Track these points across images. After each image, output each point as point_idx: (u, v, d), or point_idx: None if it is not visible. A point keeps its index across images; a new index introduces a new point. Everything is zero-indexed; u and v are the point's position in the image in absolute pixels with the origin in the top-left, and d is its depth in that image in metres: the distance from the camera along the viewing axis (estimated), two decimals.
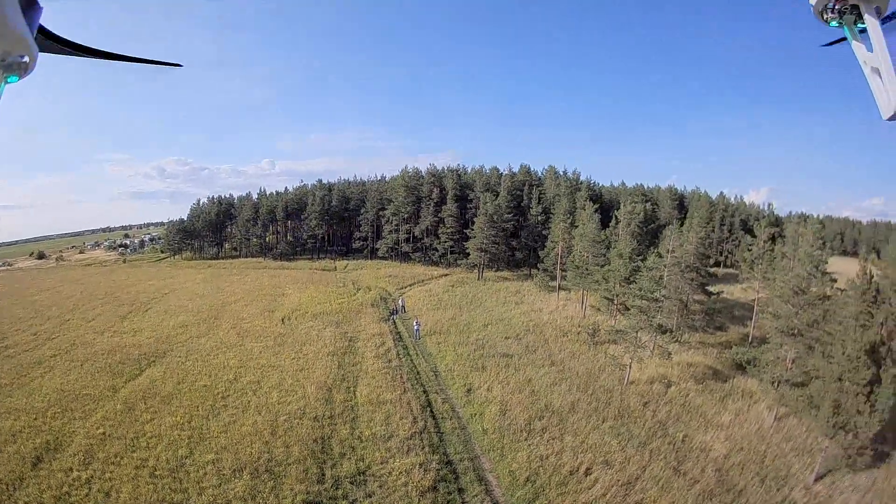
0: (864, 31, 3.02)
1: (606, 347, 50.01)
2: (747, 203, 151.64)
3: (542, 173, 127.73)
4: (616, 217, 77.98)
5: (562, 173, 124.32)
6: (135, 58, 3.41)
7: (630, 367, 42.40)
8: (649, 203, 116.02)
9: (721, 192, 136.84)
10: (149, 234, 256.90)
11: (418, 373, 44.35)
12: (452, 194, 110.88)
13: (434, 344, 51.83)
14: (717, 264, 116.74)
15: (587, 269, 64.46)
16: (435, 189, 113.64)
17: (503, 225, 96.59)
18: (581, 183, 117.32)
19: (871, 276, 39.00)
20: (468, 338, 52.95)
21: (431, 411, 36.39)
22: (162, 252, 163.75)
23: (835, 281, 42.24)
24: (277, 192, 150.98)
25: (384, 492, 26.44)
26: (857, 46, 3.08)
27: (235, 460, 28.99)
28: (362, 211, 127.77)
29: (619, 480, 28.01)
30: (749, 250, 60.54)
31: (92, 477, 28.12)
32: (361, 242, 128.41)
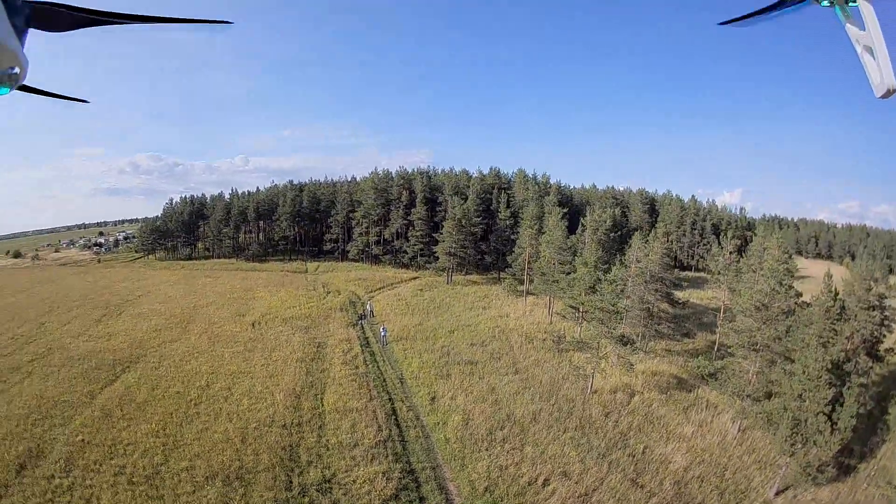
0: (855, 9, 3.04)
1: (571, 355, 51.12)
2: (720, 206, 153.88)
3: (511, 176, 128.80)
4: (583, 224, 79.36)
5: (531, 176, 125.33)
6: (181, 19, 3.16)
7: (593, 377, 43.17)
8: (619, 207, 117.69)
9: (692, 196, 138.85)
10: (123, 231, 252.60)
11: (384, 380, 45.46)
12: (422, 197, 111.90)
13: (401, 350, 52.90)
14: (688, 268, 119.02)
15: (553, 277, 65.21)
16: (404, 192, 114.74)
17: (472, 229, 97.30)
18: (550, 186, 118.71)
19: (836, 293, 39.86)
20: (434, 344, 54.19)
21: (396, 419, 37.57)
22: (136, 252, 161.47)
23: (800, 295, 42.69)
24: (249, 192, 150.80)
25: (349, 499, 27.73)
26: (849, 26, 3.13)
27: (208, 468, 30.16)
28: (332, 212, 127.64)
29: (576, 492, 29.03)
30: (716, 260, 60.40)
31: (73, 484, 29.20)
32: (332, 244, 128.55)
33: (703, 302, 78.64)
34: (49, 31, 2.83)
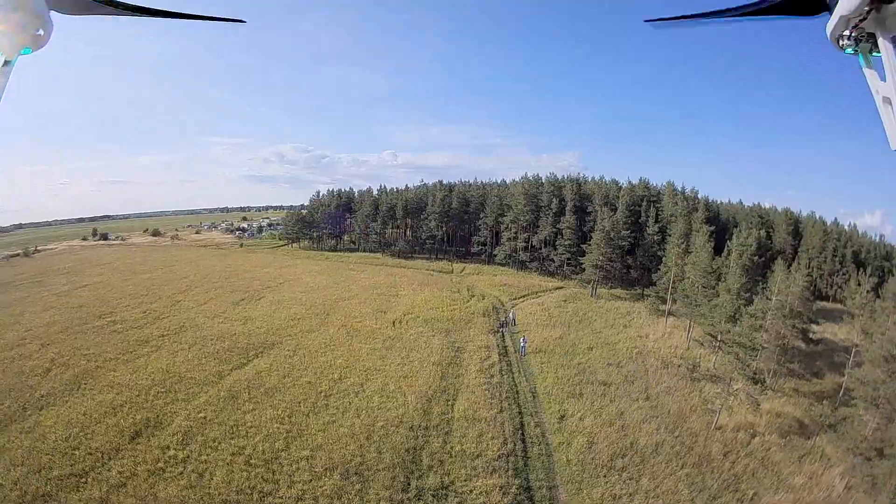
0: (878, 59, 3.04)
1: (703, 385, 48.23)
2: (860, 230, 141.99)
3: (662, 187, 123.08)
4: (728, 248, 75.42)
5: (680, 190, 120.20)
6: (193, 15, 3.61)
7: (719, 413, 40.97)
8: (764, 228, 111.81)
9: (835, 219, 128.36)
10: (267, 218, 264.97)
11: (517, 392, 44.21)
12: (571, 205, 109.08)
13: (537, 363, 51.32)
14: (825, 297, 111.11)
15: (696, 300, 62.43)
16: (554, 199, 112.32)
17: (620, 242, 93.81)
18: (698, 202, 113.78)
19: None
20: (571, 360, 52.19)
21: (523, 434, 36.43)
22: (280, 239, 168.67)
23: None
24: (398, 189, 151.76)
25: None
26: (870, 75, 3.11)
27: (328, 459, 30.15)
28: (482, 215, 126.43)
29: None
30: (853, 298, 54.42)
31: (188, 457, 29.99)
32: (480, 246, 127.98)
33: (837, 338, 71.25)
34: (65, 13, 3.23)
